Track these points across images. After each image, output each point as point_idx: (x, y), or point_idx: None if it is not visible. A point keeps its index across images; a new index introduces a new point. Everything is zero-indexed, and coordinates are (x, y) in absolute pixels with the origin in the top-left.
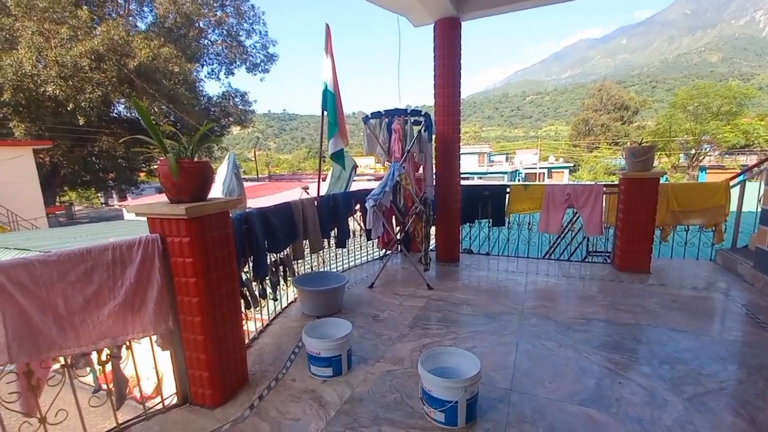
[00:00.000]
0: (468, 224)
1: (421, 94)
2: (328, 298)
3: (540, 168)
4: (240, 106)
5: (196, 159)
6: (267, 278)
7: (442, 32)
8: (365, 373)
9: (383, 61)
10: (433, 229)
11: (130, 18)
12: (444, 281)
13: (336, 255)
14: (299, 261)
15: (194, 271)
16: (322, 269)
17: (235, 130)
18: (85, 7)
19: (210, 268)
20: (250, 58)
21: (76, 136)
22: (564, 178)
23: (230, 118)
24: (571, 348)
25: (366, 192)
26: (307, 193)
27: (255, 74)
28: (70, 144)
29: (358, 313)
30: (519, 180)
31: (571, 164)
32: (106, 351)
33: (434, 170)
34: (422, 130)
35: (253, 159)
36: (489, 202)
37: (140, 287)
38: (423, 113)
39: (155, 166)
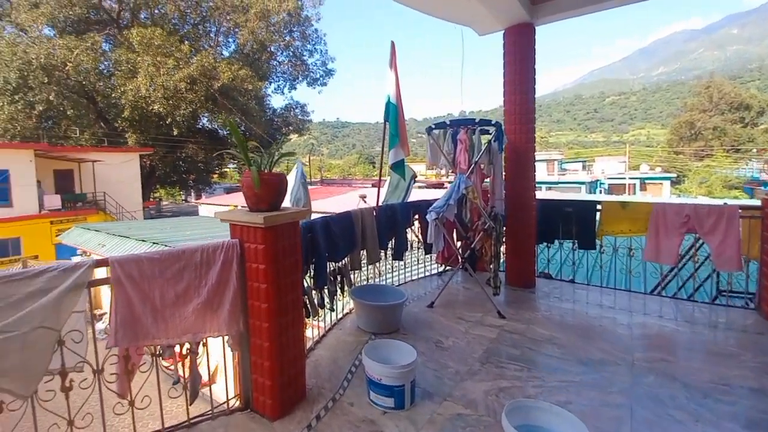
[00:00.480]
0: (545, 244)
1: (472, 99)
2: (386, 315)
3: (630, 178)
4: (299, 116)
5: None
6: (325, 287)
7: (514, 39)
8: (431, 412)
9: (425, 63)
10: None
11: (218, 48)
12: (518, 310)
13: (392, 267)
14: (356, 271)
15: (266, 277)
16: (377, 281)
17: (294, 137)
18: (187, 42)
19: (280, 275)
20: (311, 74)
21: (170, 144)
22: (664, 192)
23: (290, 127)
24: (713, 426)
25: (426, 203)
26: (365, 202)
27: (314, 87)
28: (165, 151)
29: (419, 337)
30: (601, 191)
31: (673, 175)
32: (186, 346)
33: (504, 182)
34: (492, 141)
35: (307, 164)
36: (573, 220)
37: (219, 288)
38: (493, 122)
39: (226, 170)
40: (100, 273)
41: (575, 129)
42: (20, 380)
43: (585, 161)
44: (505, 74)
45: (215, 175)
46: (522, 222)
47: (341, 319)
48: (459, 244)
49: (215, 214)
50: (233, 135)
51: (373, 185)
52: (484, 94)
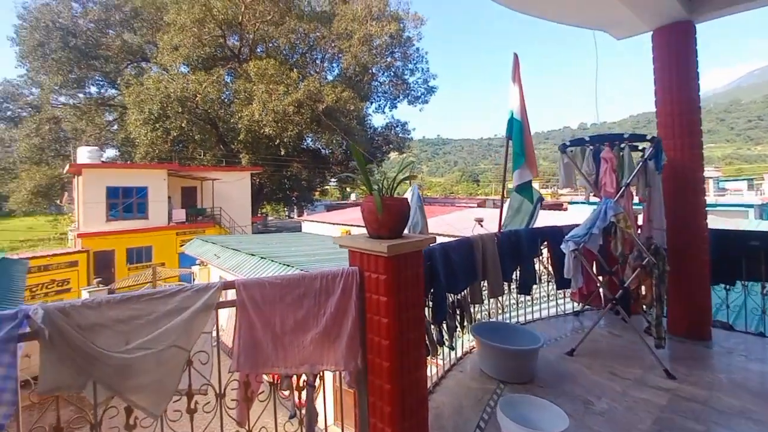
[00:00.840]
0: (724, 286)
1: (588, 111)
2: (519, 362)
3: None
4: (400, 135)
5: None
6: (444, 322)
7: (666, 40)
8: None
9: (531, 73)
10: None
11: (323, 73)
12: (691, 369)
13: (517, 302)
14: (476, 305)
15: (387, 311)
16: (500, 318)
17: (394, 155)
18: (295, 69)
19: (402, 308)
20: (412, 92)
21: (277, 164)
22: None
23: (391, 145)
24: None
25: (556, 230)
26: (482, 226)
27: (415, 105)
28: (273, 170)
29: (561, 392)
30: None
31: None
32: (303, 377)
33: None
34: (647, 158)
35: (405, 183)
36: (762, 257)
37: (338, 318)
38: (649, 137)
39: (327, 187)
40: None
41: (734, 140)
42: (153, 398)
43: (751, 179)
44: (657, 81)
45: (317, 192)
46: (690, 257)
47: (461, 358)
48: (600, 279)
49: (333, 240)
50: (355, 158)
51: (479, 204)
52: (605, 105)
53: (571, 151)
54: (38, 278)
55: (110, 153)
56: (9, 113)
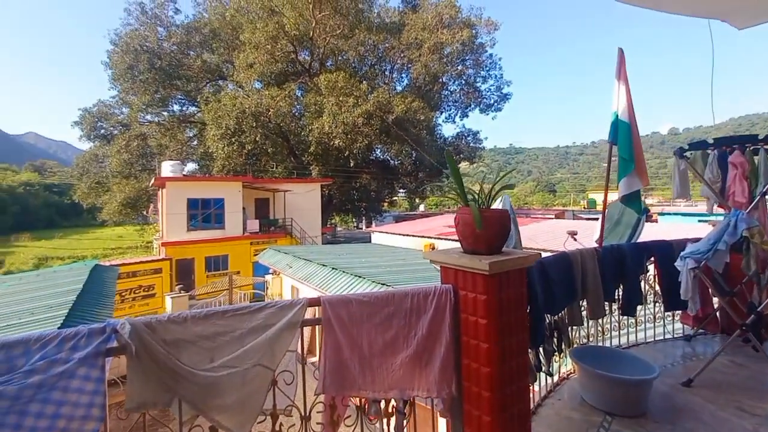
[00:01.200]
0: None
1: (677, 113)
2: (630, 393)
3: None
4: (471, 144)
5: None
6: (542, 346)
7: None
8: None
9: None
10: None
11: (392, 84)
12: None
13: (618, 324)
14: (575, 328)
15: (487, 335)
16: (601, 341)
17: (464, 165)
18: (365, 81)
19: (504, 333)
20: (484, 100)
21: (346, 175)
22: None
23: (461, 155)
24: None
25: (665, 245)
26: (574, 239)
27: (487, 114)
28: (342, 181)
29: (680, 429)
30: None
31: None
32: (392, 403)
33: None
34: None
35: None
36: None
37: (430, 341)
38: None
39: (395, 198)
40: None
41: None
42: (238, 418)
43: None
44: None
45: (385, 203)
46: None
47: (557, 385)
48: (718, 300)
49: (424, 255)
50: (449, 166)
51: (557, 216)
52: (697, 107)
53: (690, 156)
54: (127, 284)
55: (191, 167)
56: (102, 131)
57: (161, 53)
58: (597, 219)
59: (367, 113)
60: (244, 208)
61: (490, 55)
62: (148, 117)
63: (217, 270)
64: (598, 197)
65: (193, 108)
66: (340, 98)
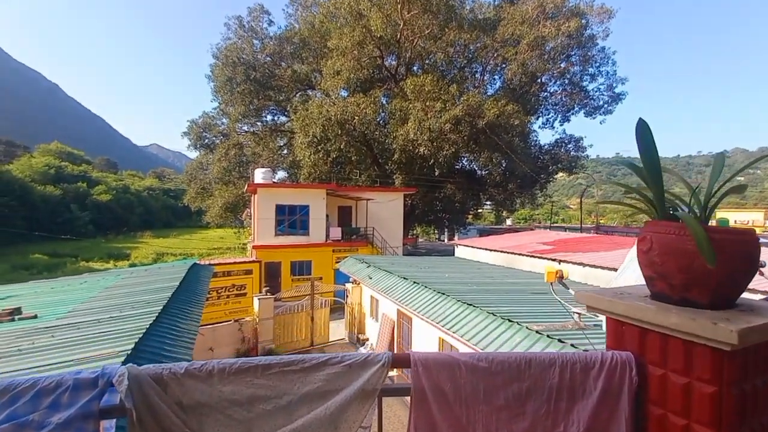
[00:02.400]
0: None
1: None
2: None
3: None
4: (572, 152)
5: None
6: None
7: None
8: None
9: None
10: None
11: (483, 87)
12: None
13: None
14: None
15: None
16: None
17: (561, 176)
18: (454, 85)
19: None
20: (591, 101)
21: (430, 185)
22: None
23: (559, 165)
24: None
25: None
26: (762, 274)
27: (594, 117)
28: (425, 190)
29: None
30: None
31: None
32: None
33: None
34: None
35: (572, 207)
36: None
37: None
38: None
39: (480, 210)
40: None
41: None
42: None
43: None
44: None
45: (470, 215)
46: None
47: None
48: None
49: (577, 297)
50: (643, 159)
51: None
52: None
53: None
54: (223, 282)
55: (281, 174)
56: (206, 141)
57: (256, 64)
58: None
59: (455, 119)
60: (327, 216)
61: (602, 48)
62: (245, 127)
63: (301, 274)
64: (737, 216)
65: (284, 118)
66: (427, 103)
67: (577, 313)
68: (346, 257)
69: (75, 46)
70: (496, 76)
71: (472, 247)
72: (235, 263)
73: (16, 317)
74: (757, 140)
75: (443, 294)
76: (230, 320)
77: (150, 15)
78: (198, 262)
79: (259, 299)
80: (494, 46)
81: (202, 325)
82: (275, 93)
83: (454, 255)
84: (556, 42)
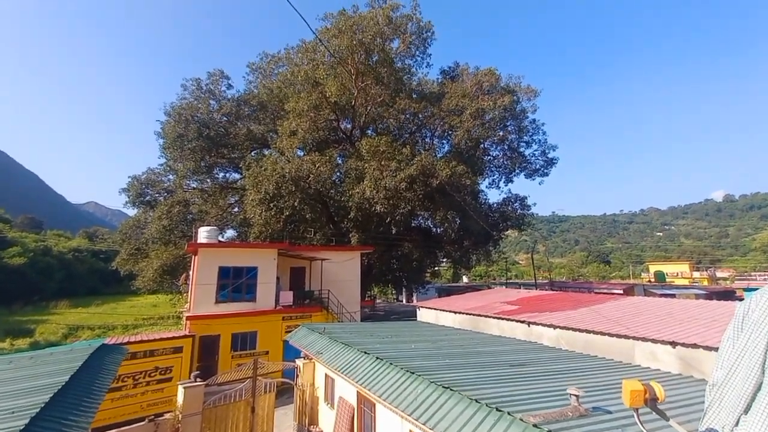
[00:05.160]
0: None
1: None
2: None
3: None
4: (519, 210)
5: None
6: None
7: None
8: None
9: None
10: None
11: (432, 150)
12: None
13: None
14: None
15: None
16: None
17: (510, 233)
18: (407, 146)
19: None
20: (529, 165)
21: (387, 243)
22: None
23: (508, 223)
24: None
25: None
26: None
27: (533, 179)
28: (382, 249)
29: None
30: None
31: None
32: None
33: None
34: None
35: (521, 262)
36: None
37: None
38: None
39: (437, 268)
40: None
41: None
42: None
43: None
44: None
45: (428, 274)
46: None
47: None
48: None
49: None
50: None
51: (625, 291)
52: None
53: None
54: (143, 365)
55: (230, 233)
56: (148, 197)
57: (211, 123)
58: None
59: (410, 178)
60: (278, 278)
61: (533, 120)
62: (193, 183)
63: (244, 349)
64: (665, 268)
65: (236, 175)
66: (383, 162)
67: None
68: (298, 326)
69: (16, 102)
70: (444, 141)
71: (435, 309)
72: (161, 339)
73: None
74: (668, 200)
75: (412, 373)
76: (145, 418)
77: (114, 72)
78: (107, 342)
79: (184, 388)
80: (440, 114)
81: (106, 427)
82: (229, 150)
83: (415, 318)
84: (494, 113)
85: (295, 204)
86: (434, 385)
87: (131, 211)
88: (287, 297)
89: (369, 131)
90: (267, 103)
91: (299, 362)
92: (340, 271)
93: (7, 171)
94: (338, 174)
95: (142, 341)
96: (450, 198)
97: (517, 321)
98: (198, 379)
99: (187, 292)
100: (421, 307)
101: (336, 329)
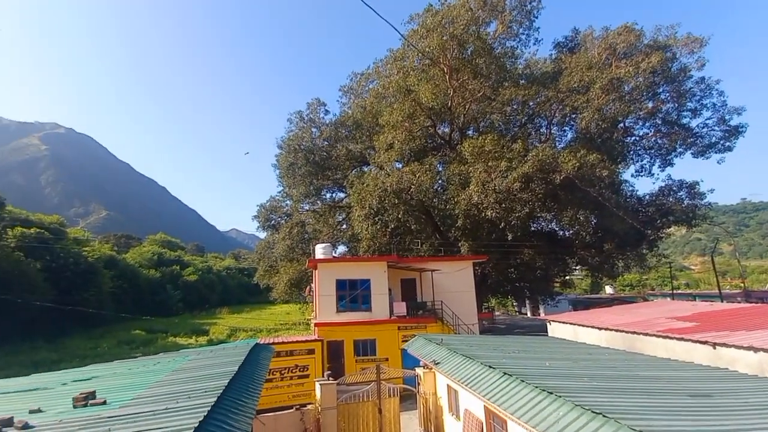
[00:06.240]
0: None
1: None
2: None
3: None
4: (686, 201)
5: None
6: None
7: None
8: None
9: None
10: None
11: (549, 141)
12: None
13: None
14: None
15: None
16: None
17: (677, 232)
18: (519, 141)
19: None
20: (699, 139)
21: (502, 251)
22: None
23: (669, 218)
24: None
25: None
26: None
27: (707, 157)
28: (497, 258)
29: None
30: None
31: None
32: None
33: None
34: None
35: (692, 267)
36: None
37: None
38: None
39: (568, 277)
40: None
41: None
42: None
43: None
44: None
45: (557, 283)
46: None
47: None
48: None
49: None
50: None
51: None
52: None
53: None
54: (286, 362)
55: (341, 249)
56: (273, 222)
57: (314, 149)
58: None
59: (524, 177)
60: (390, 290)
61: (701, 78)
62: (306, 206)
63: (365, 355)
64: None
65: (341, 194)
66: (489, 163)
67: None
68: (414, 336)
69: (179, 157)
70: (566, 128)
71: (572, 324)
72: (297, 342)
73: (89, 402)
74: None
75: (549, 393)
76: (292, 406)
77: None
78: (259, 341)
79: (320, 384)
80: (558, 97)
81: (264, 410)
82: (332, 172)
83: (545, 334)
84: (637, 81)
85: (399, 216)
86: (581, 409)
87: (262, 234)
88: (401, 308)
89: (470, 132)
90: (362, 121)
91: (419, 371)
92: (452, 281)
93: (179, 211)
94: (440, 182)
95: (283, 342)
96: (580, 194)
97: (696, 341)
98: (330, 378)
99: (312, 302)
100: (553, 321)
101: (454, 341)
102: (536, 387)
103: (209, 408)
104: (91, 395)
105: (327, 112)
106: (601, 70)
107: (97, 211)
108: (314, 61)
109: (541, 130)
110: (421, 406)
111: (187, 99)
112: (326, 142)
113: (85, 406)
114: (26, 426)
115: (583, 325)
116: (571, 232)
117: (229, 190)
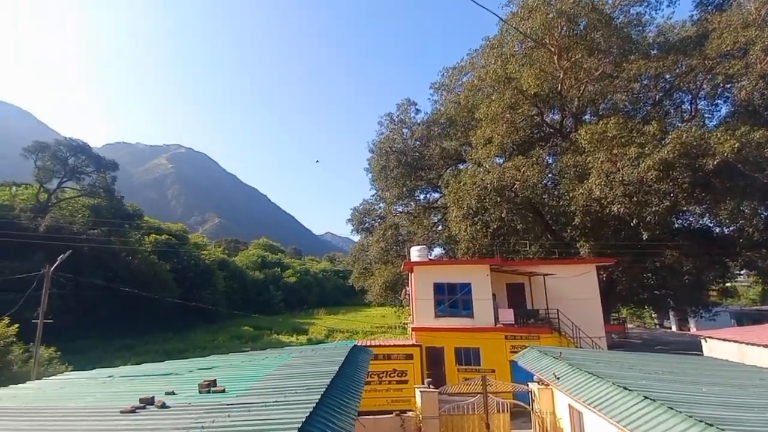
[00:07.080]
0: None
1: None
2: None
3: None
4: None
5: None
6: None
7: None
8: None
9: None
10: None
11: (695, 119)
12: None
13: None
14: None
15: None
16: None
17: None
18: (653, 122)
19: None
20: None
21: (635, 252)
22: None
23: None
24: None
25: None
26: None
27: None
28: (629, 260)
29: None
30: None
31: None
32: None
33: None
34: None
35: None
36: None
37: None
38: None
39: (729, 284)
40: None
41: None
42: None
43: None
44: None
45: (713, 292)
46: None
47: None
48: None
49: None
50: None
51: None
52: None
53: None
54: (384, 365)
55: (437, 251)
56: (366, 225)
57: (406, 150)
58: None
59: (663, 164)
60: (494, 295)
61: None
62: (399, 208)
63: (468, 364)
64: None
65: (436, 194)
66: (614, 151)
67: None
68: (525, 347)
69: (277, 163)
70: (718, 101)
71: (737, 342)
72: (395, 346)
73: (211, 389)
74: None
75: (710, 425)
76: (392, 411)
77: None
78: (357, 343)
79: (421, 392)
80: (706, 65)
81: (363, 413)
82: (426, 172)
83: (698, 352)
84: None
85: (502, 215)
86: None
87: (356, 237)
88: (507, 315)
89: (586, 117)
90: (455, 117)
91: (533, 386)
92: (570, 287)
93: (279, 217)
94: (550, 176)
95: (380, 345)
96: (743, 181)
97: None
98: (431, 386)
99: (408, 305)
100: (710, 337)
101: (576, 355)
102: (690, 417)
103: (314, 405)
104: (213, 383)
105: (418, 111)
106: (762, 29)
107: (211, 219)
108: (413, 60)
109: (683, 106)
110: (537, 426)
111: (286, 99)
112: (418, 142)
113: (208, 392)
114: (164, 405)
115: (753, 344)
116: (732, 228)
117: (323, 194)
